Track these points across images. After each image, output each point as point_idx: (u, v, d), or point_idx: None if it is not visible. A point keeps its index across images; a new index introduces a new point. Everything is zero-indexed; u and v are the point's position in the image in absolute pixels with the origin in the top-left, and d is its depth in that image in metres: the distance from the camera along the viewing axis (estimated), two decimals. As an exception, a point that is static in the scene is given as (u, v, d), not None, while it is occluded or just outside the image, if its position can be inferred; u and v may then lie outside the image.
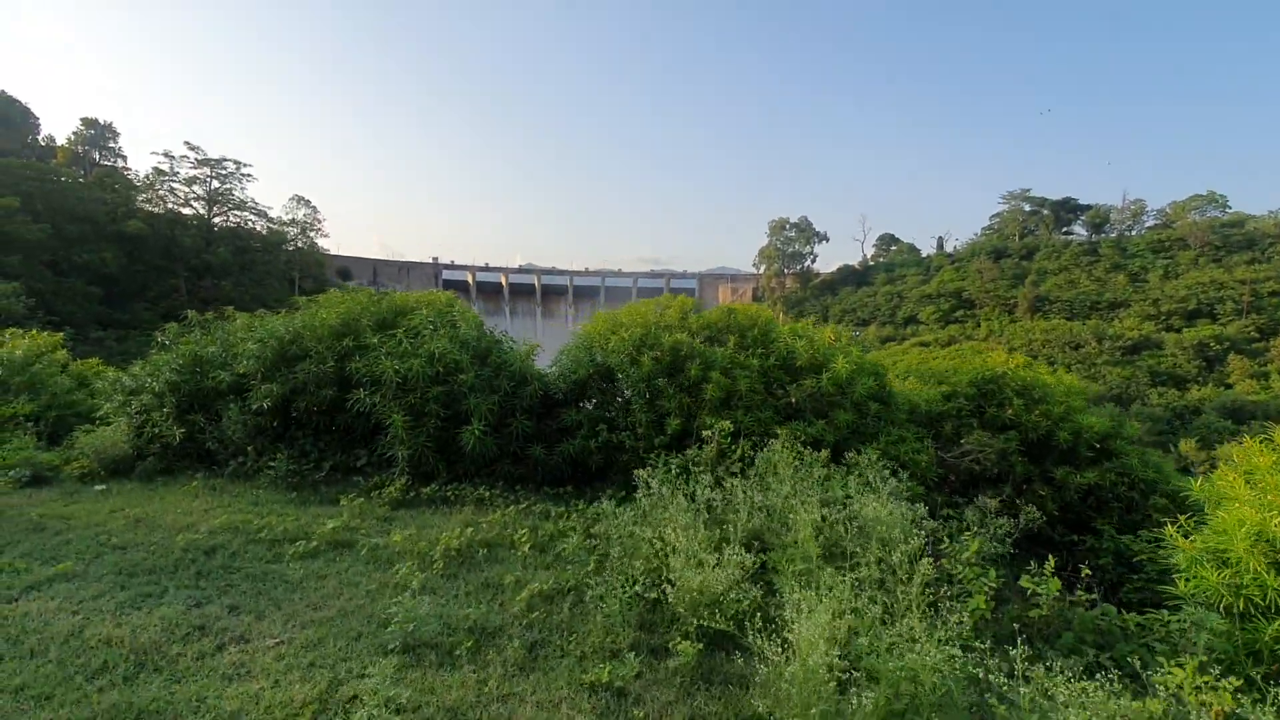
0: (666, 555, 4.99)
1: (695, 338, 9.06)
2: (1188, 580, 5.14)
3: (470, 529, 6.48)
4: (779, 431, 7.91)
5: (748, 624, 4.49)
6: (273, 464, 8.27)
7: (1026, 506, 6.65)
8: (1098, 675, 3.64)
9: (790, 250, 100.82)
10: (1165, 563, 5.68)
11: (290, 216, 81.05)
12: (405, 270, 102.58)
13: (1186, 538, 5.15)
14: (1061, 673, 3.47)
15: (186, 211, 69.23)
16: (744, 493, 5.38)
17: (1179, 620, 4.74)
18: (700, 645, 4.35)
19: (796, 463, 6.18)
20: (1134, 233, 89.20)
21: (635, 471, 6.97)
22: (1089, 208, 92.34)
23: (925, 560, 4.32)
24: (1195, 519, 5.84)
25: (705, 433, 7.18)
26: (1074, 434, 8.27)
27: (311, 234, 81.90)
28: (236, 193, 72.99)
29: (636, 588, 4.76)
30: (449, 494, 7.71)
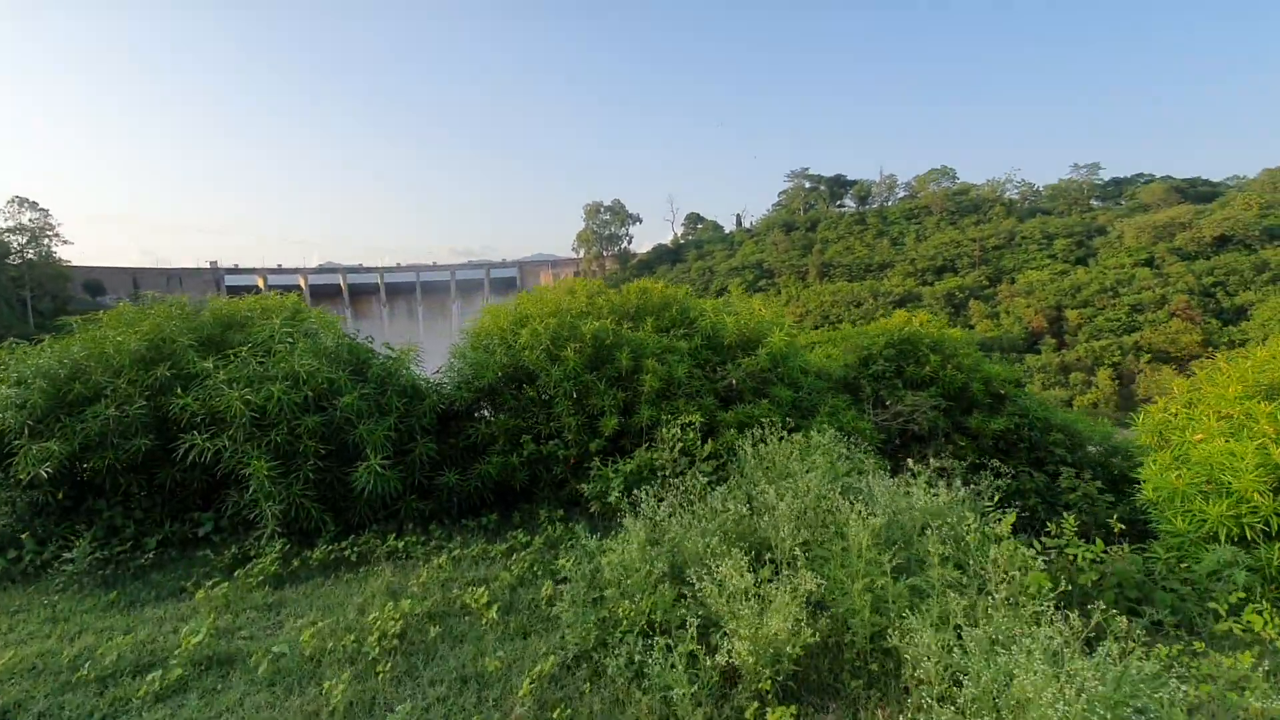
0: (698, 593, 3.88)
1: (611, 323, 7.87)
2: (1183, 516, 5.11)
3: (400, 599, 4.81)
4: (725, 418, 7.06)
5: (842, 669, 3.56)
6: (69, 554, 5.72)
7: (951, 461, 6.48)
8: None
9: (607, 233, 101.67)
10: (1138, 499, 5.70)
11: (11, 223, 65.05)
12: (177, 279, 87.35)
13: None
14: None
15: None
16: (780, 498, 4.38)
17: (1205, 560, 4.64)
18: (791, 708, 3.33)
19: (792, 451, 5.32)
20: (890, 203, 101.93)
21: (581, 485, 5.69)
22: (855, 183, 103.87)
23: (1020, 553, 3.67)
24: (1136, 456, 5.89)
25: (663, 430, 6.08)
26: (984, 383, 8.43)
27: (45, 242, 66.44)
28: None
29: (690, 647, 3.58)
30: (348, 553, 5.82)
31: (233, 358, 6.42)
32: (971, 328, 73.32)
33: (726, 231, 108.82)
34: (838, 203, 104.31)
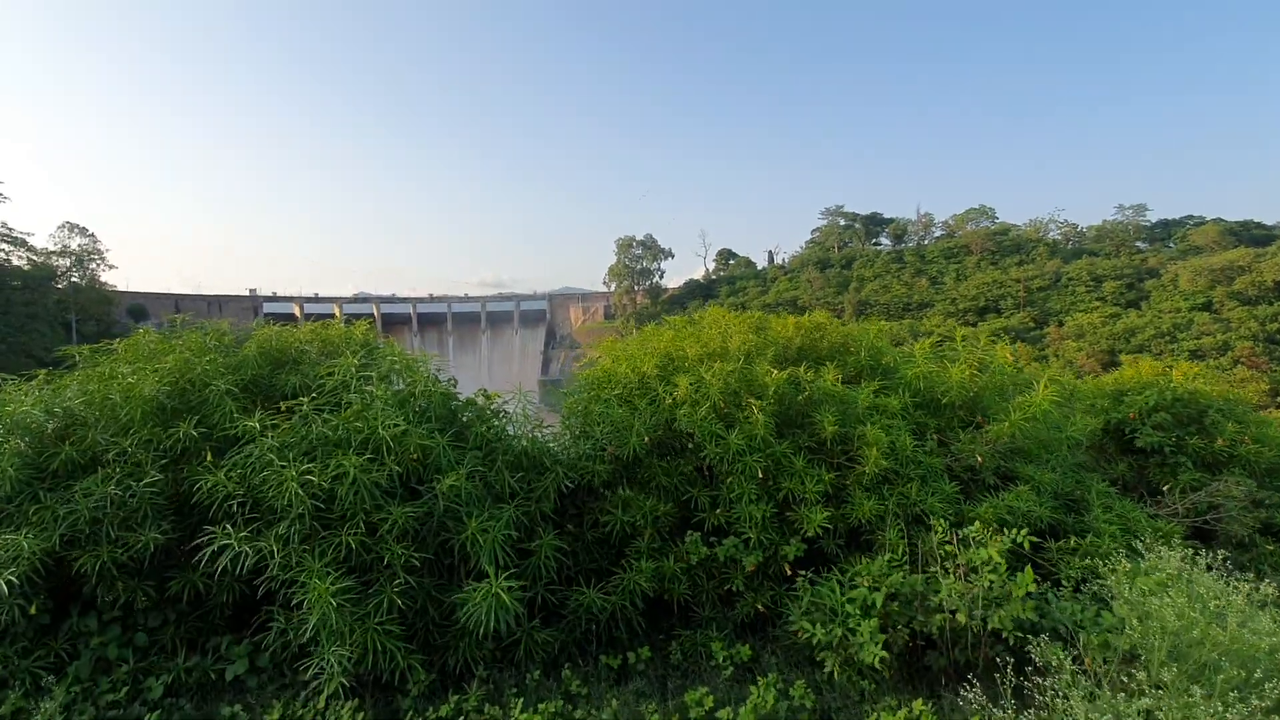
0: None
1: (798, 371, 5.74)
2: None
3: None
4: (979, 512, 4.81)
5: None
6: (37, 701, 3.62)
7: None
8: None
9: (639, 267, 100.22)
10: None
11: (60, 247, 65.47)
12: (216, 305, 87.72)
13: None
14: None
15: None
16: None
17: None
18: None
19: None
20: (927, 242, 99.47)
21: (759, 604, 3.53)
22: (891, 221, 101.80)
23: None
24: None
25: (889, 533, 3.87)
26: (1284, 461, 6.13)
27: (91, 266, 66.75)
28: (-24, 216, 56.78)
29: None
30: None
31: (289, 414, 4.36)
32: (1019, 370, 70.06)
33: (760, 268, 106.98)
34: (873, 241, 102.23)
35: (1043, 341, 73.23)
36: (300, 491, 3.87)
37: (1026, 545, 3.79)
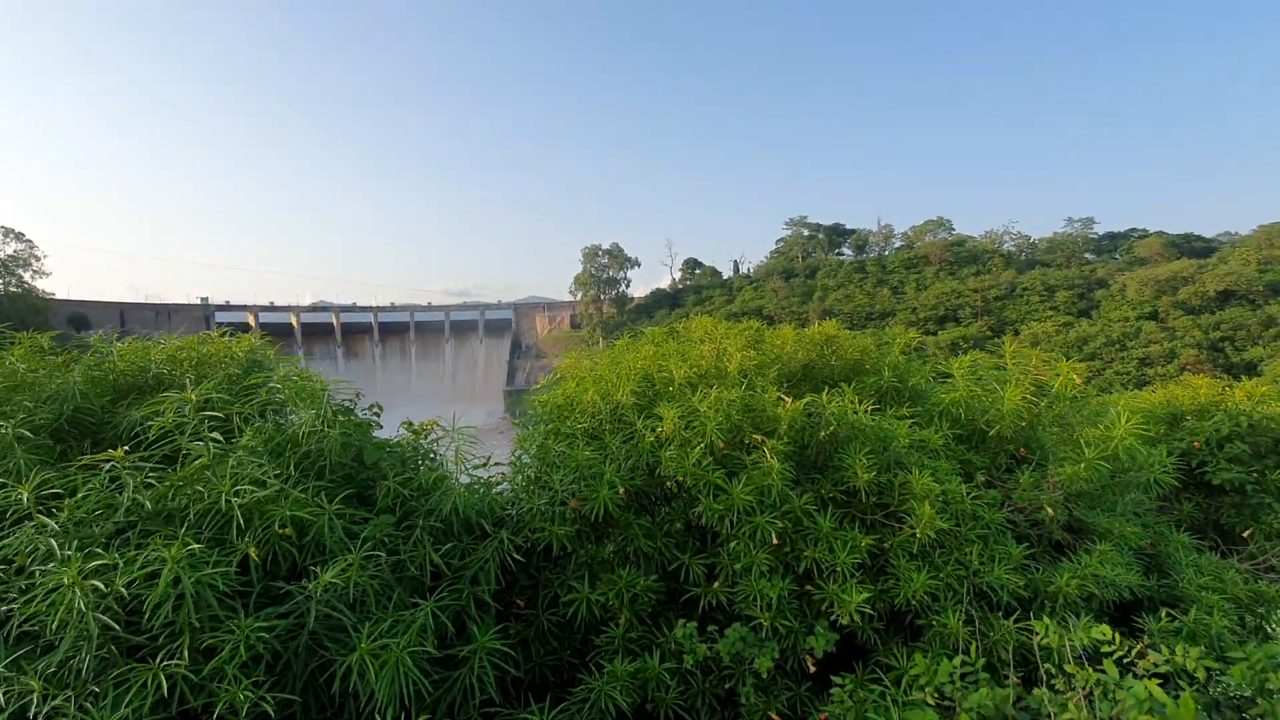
0: None
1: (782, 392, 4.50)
2: None
3: None
4: (1059, 585, 3.63)
5: None
6: None
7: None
8: None
9: (605, 276, 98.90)
10: None
11: (-7, 254, 61.25)
12: (165, 315, 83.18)
13: None
14: None
15: None
16: None
17: None
18: None
19: None
20: (888, 253, 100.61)
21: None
22: (853, 232, 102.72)
23: None
24: None
25: (948, 616, 2.65)
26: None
27: (24, 273, 62.53)
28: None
29: None
30: None
31: (84, 479, 2.89)
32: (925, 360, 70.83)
33: (725, 277, 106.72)
34: (836, 251, 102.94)
35: (998, 352, 74.26)
36: (82, 604, 2.43)
37: (1202, 675, 2.57)
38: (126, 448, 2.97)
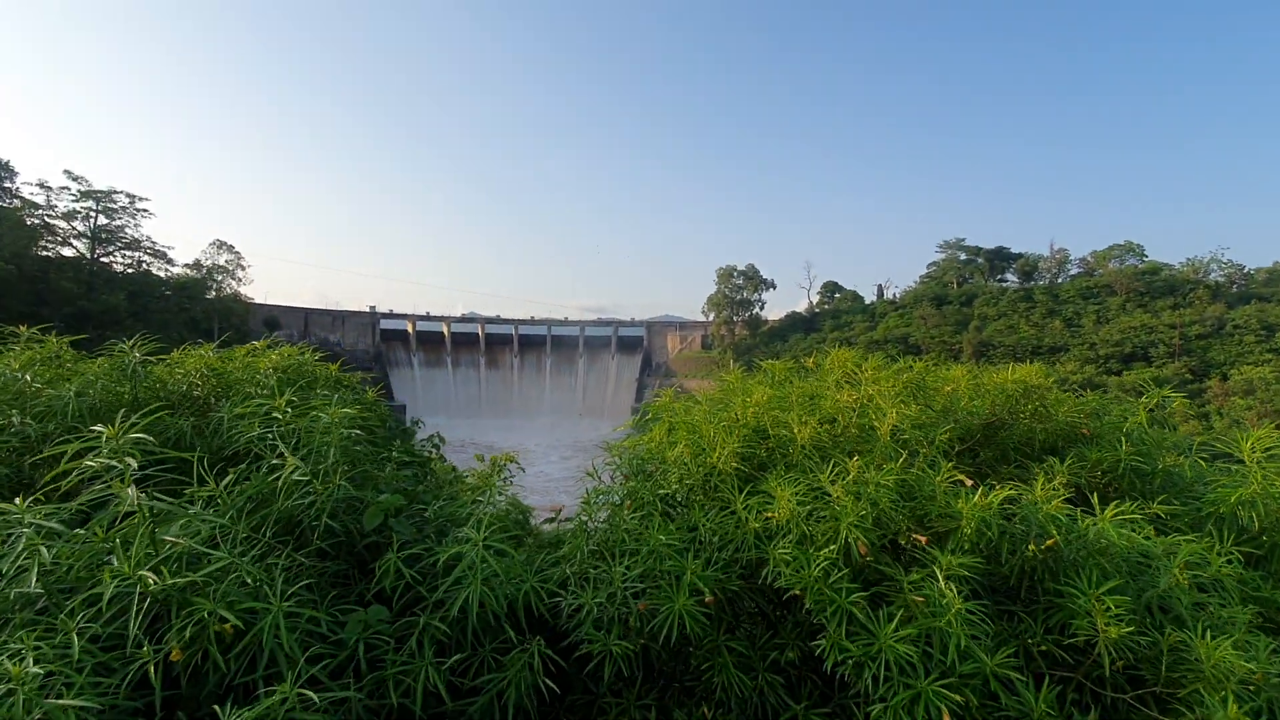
0: None
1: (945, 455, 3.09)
2: None
3: None
4: None
5: None
6: None
7: None
8: None
9: (739, 297, 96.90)
10: None
11: (210, 262, 71.82)
12: (340, 320, 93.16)
13: None
14: None
15: (66, 252, 57.26)
16: None
17: None
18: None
19: None
20: (1061, 280, 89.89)
21: None
22: (1020, 256, 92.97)
23: None
24: None
25: None
26: None
27: (233, 280, 72.78)
28: (129, 230, 62.42)
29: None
30: None
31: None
32: (1174, 428, 60.59)
33: (867, 302, 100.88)
34: (997, 277, 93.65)
35: (1202, 396, 63.07)
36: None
37: None
38: (37, 496, 2.27)
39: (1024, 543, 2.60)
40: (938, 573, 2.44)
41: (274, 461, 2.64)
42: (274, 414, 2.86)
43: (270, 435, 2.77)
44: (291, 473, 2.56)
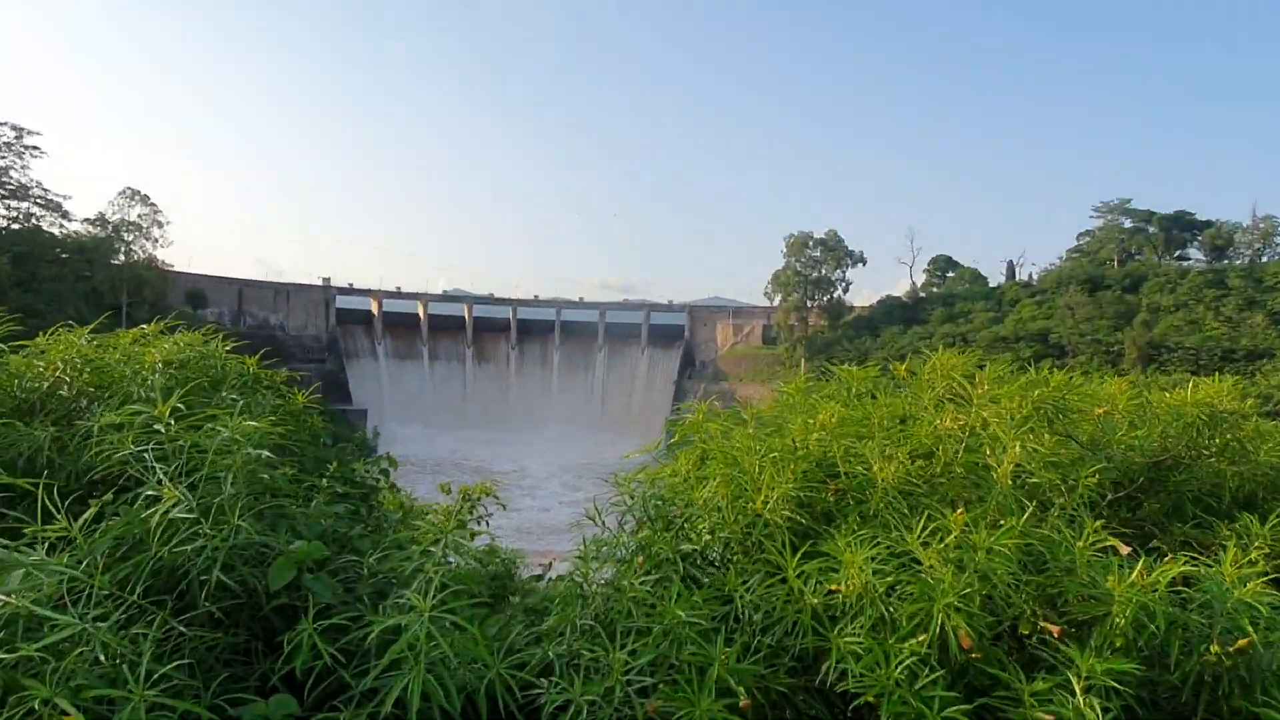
0: None
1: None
2: None
3: None
4: None
5: None
6: None
7: None
8: None
9: (815, 275, 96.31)
10: None
11: (119, 217, 73.86)
12: (284, 296, 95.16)
13: None
14: None
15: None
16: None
17: None
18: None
19: None
20: (1266, 258, 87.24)
21: None
22: (1209, 225, 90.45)
23: None
24: None
25: None
26: None
27: (148, 241, 74.77)
28: (14, 174, 64.39)
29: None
30: None
31: None
32: None
33: (992, 285, 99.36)
34: (1176, 253, 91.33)
35: None
36: None
37: None
38: None
39: (1204, 642, 2.45)
40: (1075, 680, 2.31)
41: (150, 492, 2.60)
42: (156, 427, 2.83)
43: (148, 455, 2.74)
44: (172, 508, 2.52)
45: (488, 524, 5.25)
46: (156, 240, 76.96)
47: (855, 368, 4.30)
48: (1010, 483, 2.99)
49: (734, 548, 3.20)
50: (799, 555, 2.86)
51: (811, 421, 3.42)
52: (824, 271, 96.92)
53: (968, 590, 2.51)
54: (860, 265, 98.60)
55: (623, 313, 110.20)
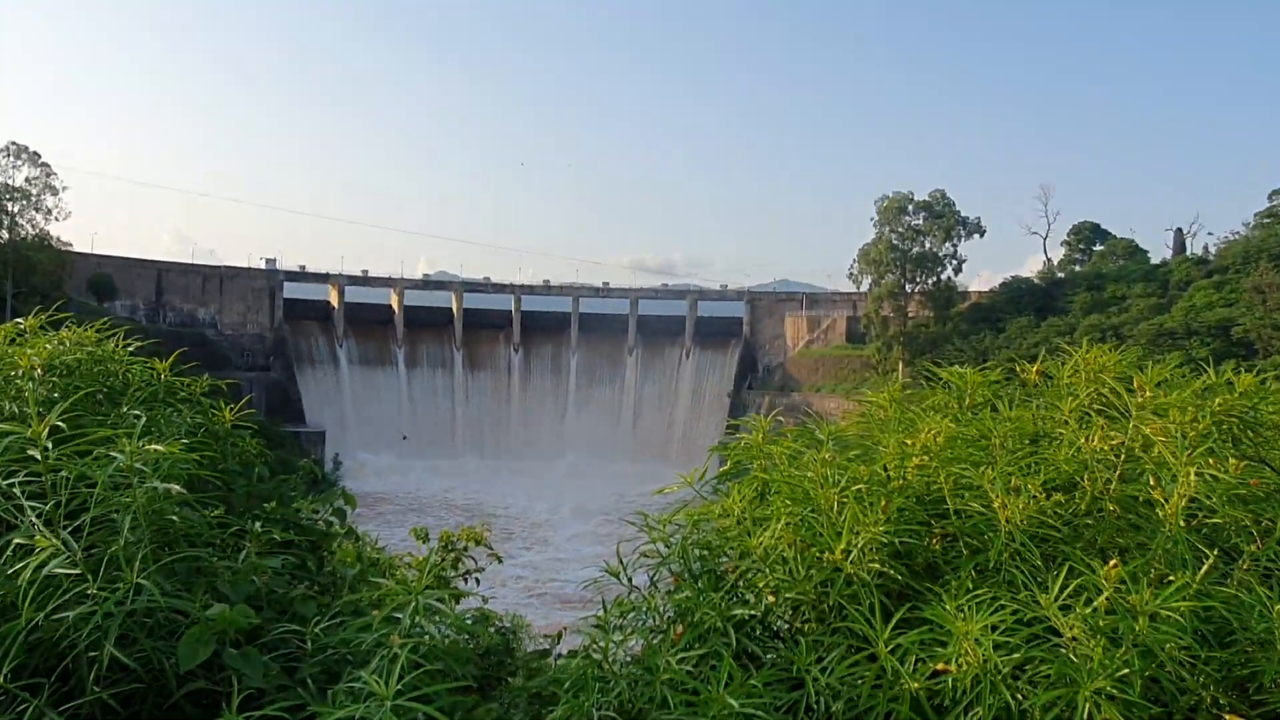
0: None
1: None
2: None
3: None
4: None
5: None
6: None
7: None
8: None
9: (915, 250, 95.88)
10: None
11: (1, 181, 75.72)
12: (216, 283, 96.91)
13: None
14: None
15: None
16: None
17: None
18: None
19: None
20: None
21: None
22: None
23: None
24: None
25: None
26: None
27: (38, 214, 76.47)
28: None
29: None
30: None
31: None
32: None
33: (1154, 262, 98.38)
34: None
35: None
36: None
37: None
38: None
39: None
40: (1278, 798, 2.27)
41: (20, 540, 2.63)
42: (30, 452, 2.86)
43: (18, 491, 2.77)
44: (50, 561, 2.54)
45: (478, 581, 5.26)
46: (50, 212, 78.51)
47: (969, 370, 4.27)
48: (1182, 524, 2.96)
49: (805, 613, 3.23)
50: (893, 623, 2.84)
51: (910, 442, 3.41)
52: (928, 245, 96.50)
53: (1124, 671, 2.48)
54: (976, 237, 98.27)
55: (661, 302, 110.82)
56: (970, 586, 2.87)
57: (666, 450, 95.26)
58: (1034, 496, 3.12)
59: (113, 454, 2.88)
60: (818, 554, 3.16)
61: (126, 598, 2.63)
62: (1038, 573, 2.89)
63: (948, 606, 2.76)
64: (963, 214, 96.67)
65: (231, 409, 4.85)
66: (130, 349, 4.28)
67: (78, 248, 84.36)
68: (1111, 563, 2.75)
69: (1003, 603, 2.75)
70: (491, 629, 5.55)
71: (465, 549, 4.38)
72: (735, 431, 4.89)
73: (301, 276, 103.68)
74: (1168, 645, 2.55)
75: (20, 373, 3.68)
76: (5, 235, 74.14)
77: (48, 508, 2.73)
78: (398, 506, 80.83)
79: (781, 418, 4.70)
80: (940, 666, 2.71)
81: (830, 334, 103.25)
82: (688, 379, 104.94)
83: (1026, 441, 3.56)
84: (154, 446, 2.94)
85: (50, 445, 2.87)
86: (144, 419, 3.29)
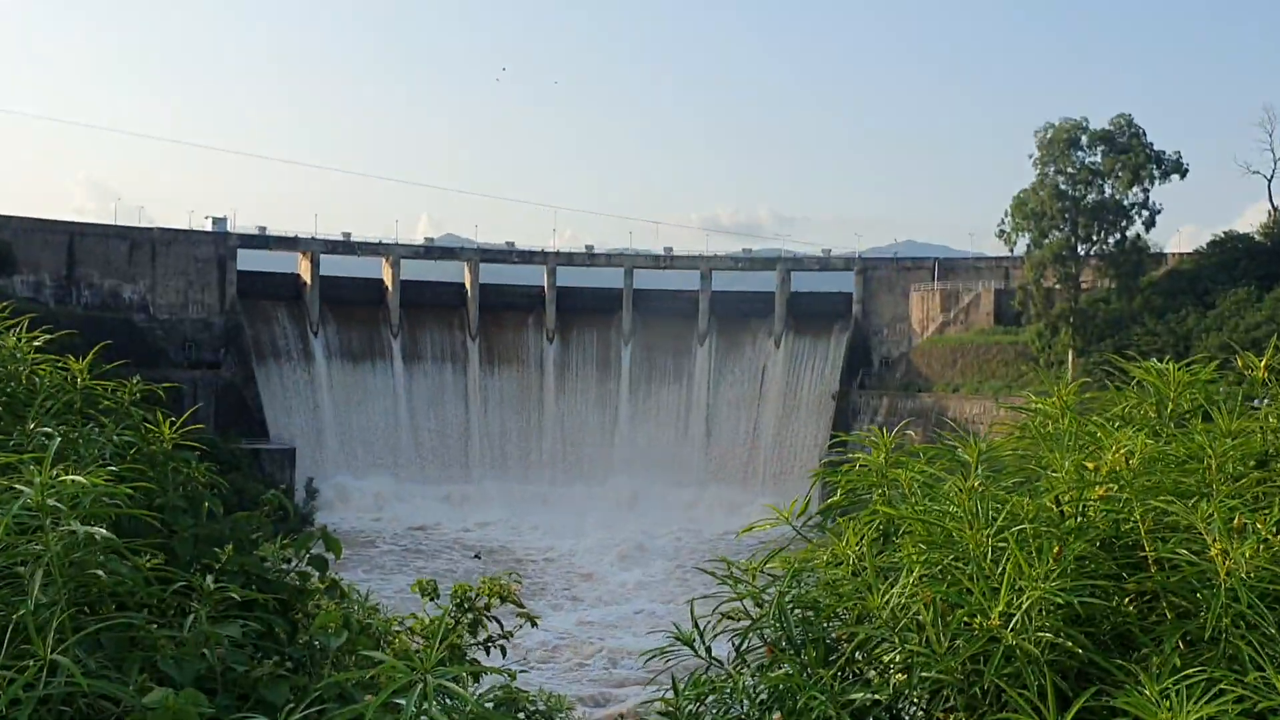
0: None
1: None
2: None
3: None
4: None
5: None
6: None
7: None
8: None
9: (1090, 199, 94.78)
10: None
11: None
12: (146, 250, 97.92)
13: None
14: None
15: None
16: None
17: None
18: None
19: None
20: None
21: None
22: None
23: None
24: None
25: None
26: None
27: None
28: None
29: None
30: None
31: None
32: None
33: None
34: None
35: None
36: None
37: None
38: None
39: None
40: None
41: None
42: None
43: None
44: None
45: (504, 651, 5.32)
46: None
47: (1171, 365, 4.24)
48: None
49: (949, 698, 3.23)
50: (1072, 714, 2.84)
51: (1091, 466, 3.39)
52: (1109, 190, 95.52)
53: None
54: (1175, 178, 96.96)
55: (743, 274, 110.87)
56: (1178, 664, 2.87)
57: (750, 472, 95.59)
58: (1265, 540, 3.09)
59: (17, 487, 2.94)
60: (966, 618, 3.18)
61: (38, 680, 2.69)
62: (1270, 645, 2.88)
63: (1147, 692, 2.76)
64: (1156, 147, 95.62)
65: (172, 422, 4.94)
66: (36, 343, 4.36)
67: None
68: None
69: (1223, 686, 2.74)
70: (522, 716, 5.62)
71: (487, 607, 4.43)
72: (844, 448, 4.91)
73: (262, 241, 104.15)
74: None
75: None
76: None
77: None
78: (394, 549, 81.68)
79: (912, 434, 4.71)
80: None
81: (972, 314, 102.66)
82: (778, 376, 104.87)
83: (1254, 464, 3.54)
84: (72, 477, 3.00)
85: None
86: (57, 439, 3.36)
